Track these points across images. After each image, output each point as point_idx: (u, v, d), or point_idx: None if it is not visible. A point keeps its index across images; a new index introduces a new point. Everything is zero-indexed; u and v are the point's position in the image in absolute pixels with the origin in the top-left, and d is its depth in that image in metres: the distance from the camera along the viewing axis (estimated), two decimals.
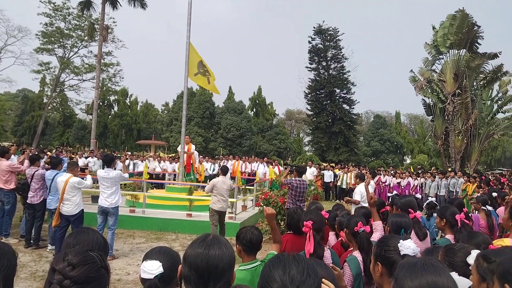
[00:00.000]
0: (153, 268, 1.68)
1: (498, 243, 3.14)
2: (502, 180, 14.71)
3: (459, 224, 3.42)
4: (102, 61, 32.00)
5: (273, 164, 19.45)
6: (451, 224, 3.51)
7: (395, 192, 9.68)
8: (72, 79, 39.77)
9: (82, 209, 7.06)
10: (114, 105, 53.44)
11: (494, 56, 23.10)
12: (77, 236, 1.92)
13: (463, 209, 4.35)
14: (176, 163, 17.82)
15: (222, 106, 48.58)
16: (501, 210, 5.74)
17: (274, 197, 9.54)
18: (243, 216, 10.50)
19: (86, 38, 34.84)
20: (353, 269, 2.88)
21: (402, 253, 1.95)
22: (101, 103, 47.82)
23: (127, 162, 19.66)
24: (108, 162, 7.40)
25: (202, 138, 44.10)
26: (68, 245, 1.89)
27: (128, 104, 53.33)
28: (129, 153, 29.05)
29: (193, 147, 12.72)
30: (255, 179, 13.90)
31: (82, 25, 35.78)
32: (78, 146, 46.18)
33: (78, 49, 38.15)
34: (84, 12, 29.37)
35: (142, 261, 1.81)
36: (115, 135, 49.87)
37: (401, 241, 2.00)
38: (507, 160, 49.63)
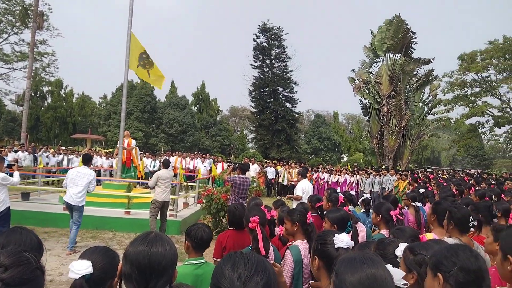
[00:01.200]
0: (81, 268, 1.60)
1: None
2: (430, 178, 15.85)
3: (394, 220, 3.62)
4: (35, 49, 29.87)
5: (218, 161, 19.40)
6: (386, 220, 3.71)
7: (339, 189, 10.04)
8: (1, 67, 36.77)
9: (8, 207, 6.60)
10: (47, 96, 50.09)
11: (428, 61, 24.81)
12: (8, 236, 1.79)
13: (398, 205, 4.62)
14: (113, 158, 17.16)
15: (164, 101, 47.49)
16: (428, 206, 6.16)
17: (216, 193, 9.51)
18: (184, 213, 10.34)
19: (17, 24, 32.33)
20: (294, 255, 3.03)
21: (336, 246, 2.06)
22: (33, 94, 44.67)
23: (60, 156, 18.77)
24: (87, 161, 7.76)
25: (143, 133, 42.86)
26: None
27: (63, 95, 50.32)
28: (63, 147, 27.43)
29: (133, 142, 12.33)
30: (196, 176, 13.74)
31: (13, 9, 33.10)
32: (6, 139, 42.76)
33: (8, 35, 35.25)
34: None
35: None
36: (48, 128, 46.83)
37: (336, 235, 2.11)
38: (435, 159, 53.51)
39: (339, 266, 1.37)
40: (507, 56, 30.22)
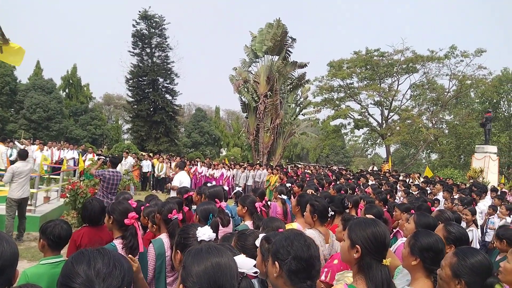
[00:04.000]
0: None
1: (288, 227, 3.65)
2: (298, 172, 17.16)
3: (258, 211, 3.82)
4: None
5: (88, 151, 17.98)
6: (250, 212, 3.90)
7: (213, 183, 10.17)
8: None
9: None
10: None
11: (304, 65, 26.74)
12: None
13: (265, 198, 4.88)
14: None
15: (27, 83, 42.13)
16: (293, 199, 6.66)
17: (82, 187, 8.82)
18: (45, 208, 9.34)
19: None
20: (157, 248, 3.04)
21: (199, 239, 2.08)
22: None
23: None
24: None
25: None
26: None
27: None
28: None
29: None
30: (61, 168, 12.52)
31: None
32: None
33: None
34: None
35: None
36: None
37: (199, 228, 2.13)
38: (304, 155, 58.01)
39: (186, 258, 1.39)
40: (367, 66, 34.33)
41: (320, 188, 8.25)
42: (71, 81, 48.05)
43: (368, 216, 3.42)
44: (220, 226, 3.89)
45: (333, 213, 3.92)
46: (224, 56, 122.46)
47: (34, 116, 38.50)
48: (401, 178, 15.11)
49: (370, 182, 11.72)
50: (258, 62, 26.92)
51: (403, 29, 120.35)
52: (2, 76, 38.45)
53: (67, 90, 47.90)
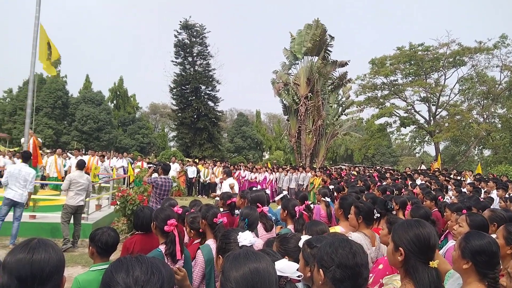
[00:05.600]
0: None
1: (332, 230, 3.59)
2: (342, 174, 16.86)
3: (297, 215, 3.79)
4: None
5: (137, 160, 18.68)
6: (291, 215, 3.87)
7: (259, 187, 10.24)
8: None
9: None
10: None
11: (344, 64, 26.28)
12: None
13: (305, 201, 4.83)
14: (18, 158, 15.67)
15: (77, 96, 44.53)
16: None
17: (132, 194, 9.15)
18: (96, 216, 9.79)
19: None
20: (205, 255, 3.05)
21: (240, 244, 2.09)
22: None
23: None
24: (27, 159, 8.06)
25: (53, 131, 39.81)
26: None
27: None
28: None
29: (39, 140, 11.39)
30: (111, 176, 13.09)
31: None
32: None
33: None
34: None
35: None
36: None
37: (240, 233, 2.13)
38: (348, 156, 56.92)
39: (225, 264, 1.40)
40: (412, 62, 33.11)
41: (366, 190, 8.06)
42: (118, 93, 50.23)
43: (414, 217, 3.29)
44: (263, 230, 3.90)
45: (378, 215, 3.81)
46: (264, 60, 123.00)
47: (85, 127, 40.56)
48: (452, 176, 14.43)
49: (418, 182, 11.29)
50: (297, 64, 26.79)
51: (448, 21, 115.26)
52: (54, 91, 40.85)
53: (115, 101, 50.08)
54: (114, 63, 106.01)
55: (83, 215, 8.91)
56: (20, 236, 8.21)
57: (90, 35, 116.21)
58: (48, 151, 16.22)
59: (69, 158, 15.80)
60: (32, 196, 9.19)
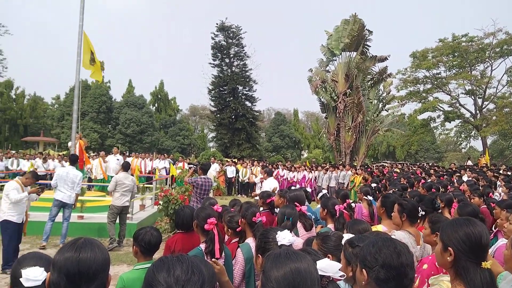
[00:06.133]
0: (37, 275, 1.60)
1: (374, 229, 3.49)
2: (384, 172, 16.42)
3: (337, 214, 3.71)
4: None
5: (178, 160, 19.13)
6: (331, 214, 3.80)
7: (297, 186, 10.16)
8: None
9: None
10: None
11: (384, 59, 25.58)
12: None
13: (347, 200, 4.73)
14: (66, 161, 16.47)
15: (120, 100, 46.21)
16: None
17: (174, 194, 9.36)
18: (140, 215, 10.11)
19: None
20: (245, 253, 3.06)
21: (279, 243, 2.07)
22: None
23: (9, 160, 17.82)
24: (74, 161, 8.43)
25: (98, 135, 41.53)
26: None
27: (13, 97, 47.75)
28: (13, 151, 26.00)
29: (85, 140, 11.93)
30: (154, 177, 13.46)
31: None
32: None
33: None
34: None
35: (14, 268, 1.72)
36: None
37: (278, 232, 2.11)
38: (390, 153, 55.38)
39: (266, 263, 1.38)
40: (455, 54, 31.72)
41: (410, 188, 7.79)
42: (159, 96, 51.66)
43: (461, 215, 3.14)
44: (303, 230, 3.86)
45: (423, 213, 3.67)
46: (300, 58, 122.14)
47: (129, 130, 42.00)
48: (501, 172, 13.67)
49: (465, 178, 10.79)
50: (335, 60, 26.38)
51: (493, 9, 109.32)
52: (99, 96, 42.59)
53: (156, 105, 51.54)
54: (154, 67, 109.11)
55: (128, 215, 9.23)
56: (69, 236, 8.61)
57: (131, 41, 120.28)
58: (93, 154, 16.92)
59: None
60: (80, 198, 9.64)
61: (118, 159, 14.49)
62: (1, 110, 44.62)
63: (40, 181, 10.51)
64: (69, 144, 11.40)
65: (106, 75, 55.27)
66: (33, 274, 1.59)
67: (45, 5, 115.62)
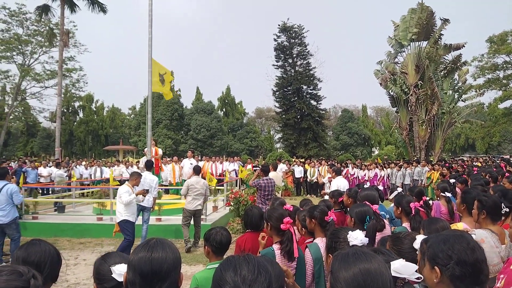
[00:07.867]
0: (123, 270, 1.70)
1: (453, 227, 3.28)
2: (464, 166, 15.32)
3: (413, 212, 3.53)
4: (64, 66, 30.87)
5: (247, 162, 19.51)
6: (406, 212, 3.62)
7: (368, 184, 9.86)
8: (33, 86, 37.76)
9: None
10: (79, 111, 51.97)
11: (462, 46, 23.78)
12: (27, 248, 1.90)
13: (423, 197, 4.49)
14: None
15: (191, 107, 48.23)
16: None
17: (243, 195, 9.56)
18: (214, 217, 10.45)
19: (46, 43, 33.46)
20: (313, 253, 3.03)
21: (351, 243, 2.01)
22: (65, 110, 46.40)
23: (93, 168, 19.38)
24: (150, 167, 8.80)
25: (172, 141, 43.66)
26: (17, 259, 1.86)
27: (94, 109, 52.02)
28: (97, 160, 28.31)
29: (159, 150, 12.57)
30: (224, 179, 13.84)
31: (42, 30, 34.22)
32: (43, 155, 44.62)
33: (39, 56, 36.30)
34: (43, 16, 28.11)
35: (99, 265, 1.86)
36: (82, 142, 48.63)
37: (350, 232, 2.06)
38: (470, 146, 51.59)
39: (334, 263, 1.35)
40: None
41: (493, 183, 7.19)
42: (226, 101, 53.09)
43: None
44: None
45: (507, 209, 3.37)
46: (366, 52, 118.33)
47: (200, 135, 43.66)
48: None
49: None
50: (404, 51, 25.16)
51: None
52: (171, 105, 44.79)
53: (224, 109, 53.03)
54: (221, 73, 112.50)
55: (202, 217, 9.59)
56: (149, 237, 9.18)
57: (196, 49, 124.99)
58: (168, 159, 17.82)
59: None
60: (157, 201, 10.21)
61: (191, 163, 15.08)
62: (84, 122, 48.77)
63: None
64: (145, 150, 12.14)
65: (176, 83, 58.03)
66: (123, 270, 1.69)
67: (117, 21, 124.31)
